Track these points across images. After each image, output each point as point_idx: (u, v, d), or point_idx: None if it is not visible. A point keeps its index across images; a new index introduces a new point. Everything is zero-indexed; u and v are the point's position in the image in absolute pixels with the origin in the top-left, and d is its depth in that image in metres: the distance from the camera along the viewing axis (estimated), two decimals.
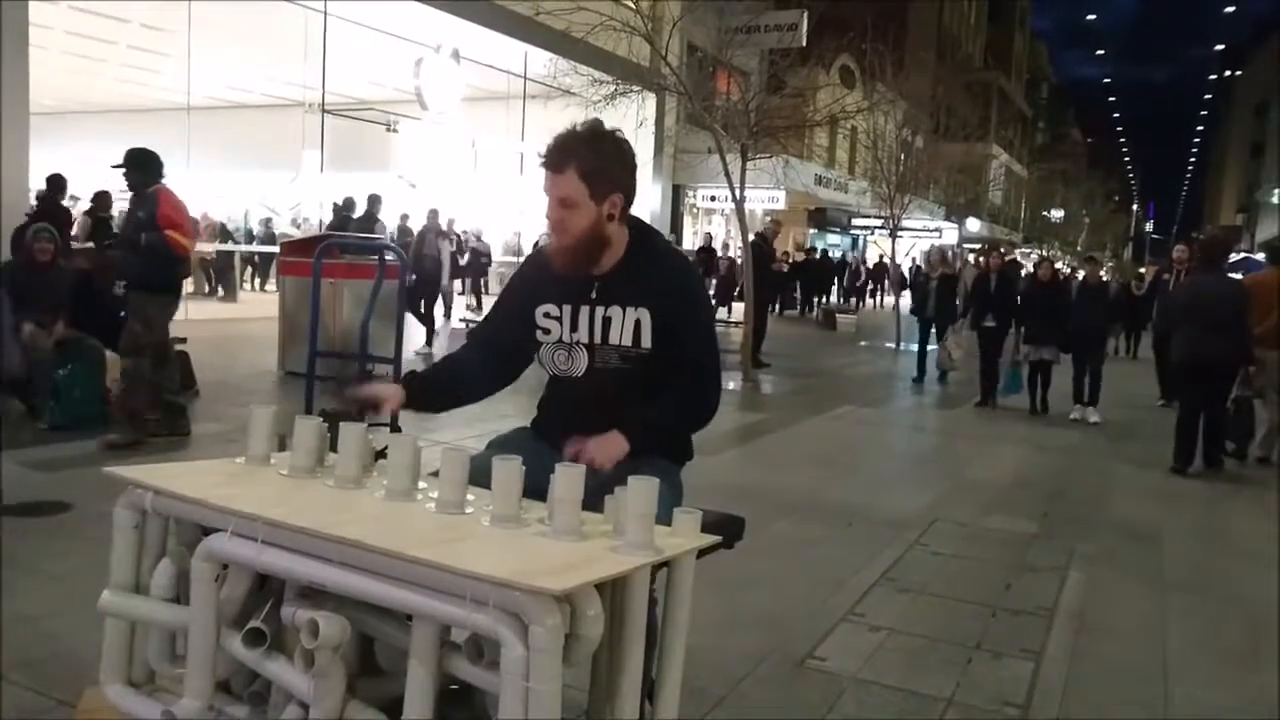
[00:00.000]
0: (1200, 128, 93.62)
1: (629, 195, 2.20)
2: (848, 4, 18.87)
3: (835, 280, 26.94)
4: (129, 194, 6.01)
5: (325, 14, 14.00)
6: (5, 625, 2.98)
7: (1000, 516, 5.36)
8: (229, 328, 12.02)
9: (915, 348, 12.06)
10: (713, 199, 24.43)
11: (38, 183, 9.61)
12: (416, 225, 13.01)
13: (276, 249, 12.90)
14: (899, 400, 10.51)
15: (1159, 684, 3.26)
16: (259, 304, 14.64)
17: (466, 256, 16.02)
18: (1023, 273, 19.24)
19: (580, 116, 2.44)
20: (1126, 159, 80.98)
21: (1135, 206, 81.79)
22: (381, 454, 2.12)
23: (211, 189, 18.81)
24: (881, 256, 29.88)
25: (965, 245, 38.02)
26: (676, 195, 22.63)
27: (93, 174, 9.99)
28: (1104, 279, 12.05)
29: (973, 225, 39.57)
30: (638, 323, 2.21)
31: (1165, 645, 3.61)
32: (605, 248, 2.20)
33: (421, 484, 1.99)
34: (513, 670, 1.49)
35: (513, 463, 1.81)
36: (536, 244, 9.22)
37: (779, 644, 3.31)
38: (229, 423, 6.32)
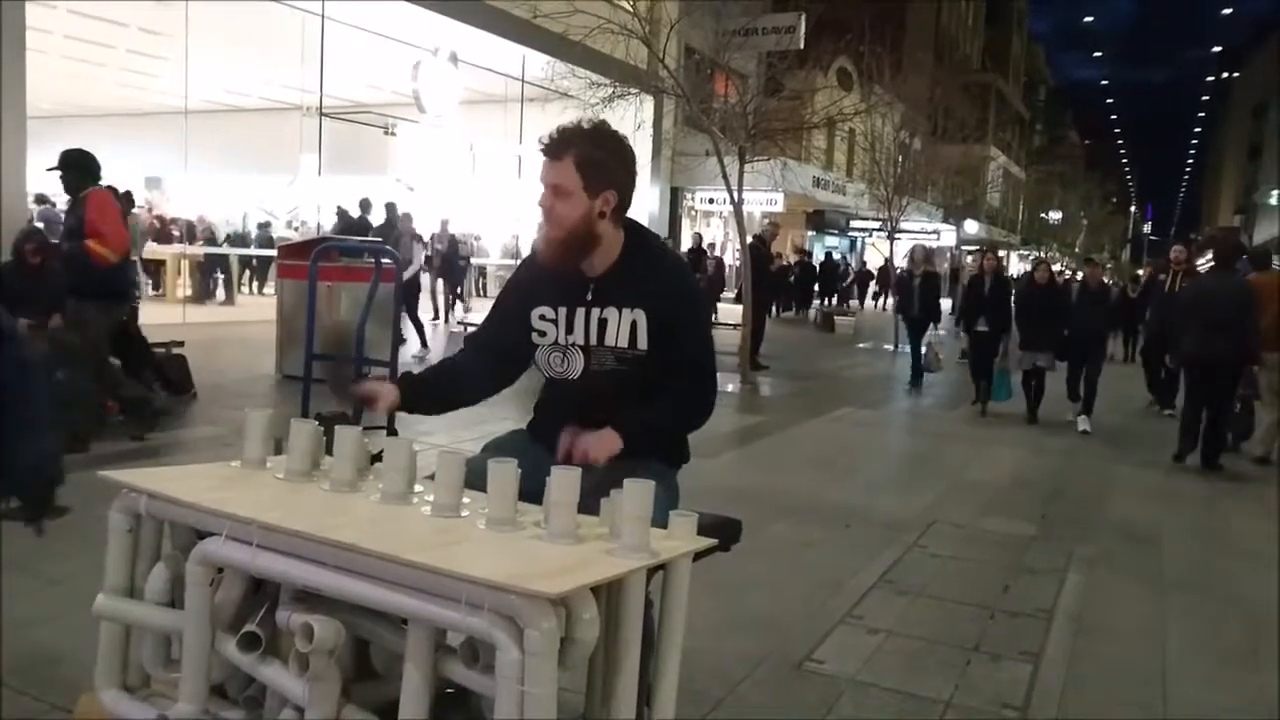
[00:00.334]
0: (1198, 129, 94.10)
1: (625, 195, 2.19)
2: (845, 6, 18.94)
3: (816, 283, 26.37)
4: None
5: (323, 17, 14.00)
6: (4, 629, 2.97)
7: (998, 518, 5.36)
8: (227, 331, 12.03)
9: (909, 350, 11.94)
10: (711, 201, 24.47)
11: (35, 186, 9.59)
12: (417, 226, 12.98)
13: (274, 252, 12.88)
14: (897, 402, 10.50)
15: (1158, 685, 3.25)
16: (257, 307, 14.63)
17: (436, 259, 14.98)
18: (1008, 275, 18.86)
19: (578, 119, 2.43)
20: (1124, 161, 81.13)
21: (1133, 208, 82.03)
22: (377, 457, 2.11)
23: (209, 192, 18.82)
24: (886, 260, 29.84)
25: (964, 247, 38.10)
26: (675, 198, 22.66)
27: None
28: (1105, 282, 11.88)
29: (971, 227, 39.69)
30: (634, 324, 2.20)
31: (1164, 646, 3.61)
32: (595, 245, 2.18)
33: (417, 487, 1.98)
34: (508, 674, 1.49)
35: (508, 466, 1.80)
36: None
37: (777, 646, 3.31)
38: (225, 426, 6.31)
